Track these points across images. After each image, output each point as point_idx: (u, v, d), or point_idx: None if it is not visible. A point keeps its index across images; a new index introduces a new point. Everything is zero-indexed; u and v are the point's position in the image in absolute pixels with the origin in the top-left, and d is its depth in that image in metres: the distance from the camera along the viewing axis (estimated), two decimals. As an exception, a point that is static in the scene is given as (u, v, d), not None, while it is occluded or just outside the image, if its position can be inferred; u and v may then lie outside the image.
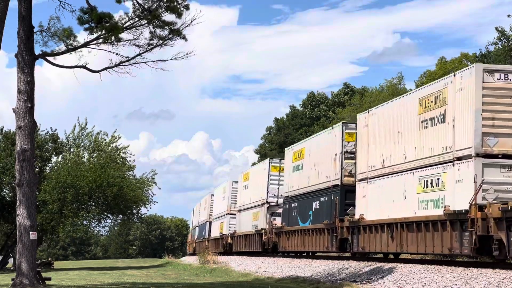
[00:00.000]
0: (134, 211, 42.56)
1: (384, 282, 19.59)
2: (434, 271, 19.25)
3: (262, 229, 39.41)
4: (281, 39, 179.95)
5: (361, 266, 23.72)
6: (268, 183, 39.49)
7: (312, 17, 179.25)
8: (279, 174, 39.08)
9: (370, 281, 20.30)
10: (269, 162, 40.67)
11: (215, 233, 55.06)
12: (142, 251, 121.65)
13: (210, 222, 58.53)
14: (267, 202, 39.02)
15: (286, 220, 35.56)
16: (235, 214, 47.57)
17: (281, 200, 37.49)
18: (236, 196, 48.32)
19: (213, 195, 59.38)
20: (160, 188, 44.74)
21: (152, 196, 42.88)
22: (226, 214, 49.67)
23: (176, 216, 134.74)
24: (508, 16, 41.72)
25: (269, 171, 39.75)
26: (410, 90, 61.39)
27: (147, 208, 42.97)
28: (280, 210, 37.58)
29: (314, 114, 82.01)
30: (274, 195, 39.01)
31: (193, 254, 64.42)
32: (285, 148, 39.06)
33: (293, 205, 34.75)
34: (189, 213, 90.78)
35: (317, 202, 30.98)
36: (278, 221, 37.26)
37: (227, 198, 50.35)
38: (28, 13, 18.72)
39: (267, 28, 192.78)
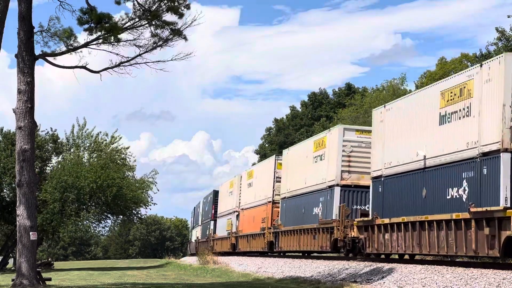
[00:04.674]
0: (134, 212, 42.60)
1: (384, 282, 19.58)
2: (434, 271, 19.24)
3: (332, 220, 28.91)
4: (282, 39, 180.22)
5: (361, 266, 23.72)
6: None
7: (313, 18, 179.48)
8: None
9: (370, 281, 20.29)
10: None
11: (245, 227, 44.74)
12: (142, 251, 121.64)
13: (238, 214, 47.06)
14: None
15: (380, 209, 25.53)
16: (277, 203, 38.17)
17: None
18: (279, 180, 38.54)
19: (242, 177, 48.10)
20: (158, 190, 43.28)
21: (152, 198, 42.90)
22: (268, 202, 39.85)
23: (178, 217, 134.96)
24: (508, 17, 41.83)
25: None
26: (410, 91, 61.69)
27: (146, 209, 43.01)
28: None
29: (316, 114, 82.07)
30: None
31: (194, 254, 61.51)
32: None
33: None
34: (189, 213, 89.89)
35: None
36: None
37: (267, 182, 40.42)
38: (28, 14, 18.73)
39: (269, 28, 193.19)
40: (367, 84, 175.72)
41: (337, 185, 29.26)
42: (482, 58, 47.03)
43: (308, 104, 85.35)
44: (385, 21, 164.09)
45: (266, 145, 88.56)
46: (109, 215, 42.75)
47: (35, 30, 19.13)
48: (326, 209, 29.99)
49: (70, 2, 19.86)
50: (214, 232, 55.20)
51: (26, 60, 18.68)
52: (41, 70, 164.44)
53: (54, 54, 19.88)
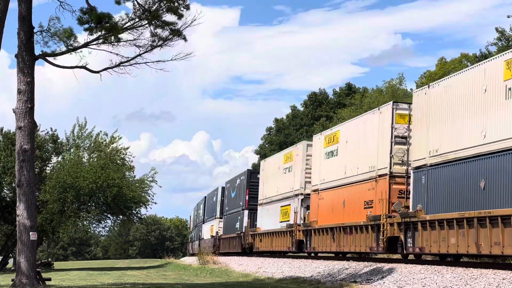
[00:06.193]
0: (134, 212, 42.58)
1: (384, 282, 19.57)
2: (434, 271, 19.24)
3: None
4: (282, 39, 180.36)
5: (361, 266, 23.71)
6: None
7: (313, 18, 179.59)
8: None
9: (370, 281, 20.29)
10: None
11: (323, 216, 30.89)
12: (142, 251, 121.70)
13: (305, 198, 34.12)
14: None
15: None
16: (399, 176, 25.16)
17: None
18: (401, 141, 25.44)
19: (310, 145, 34.62)
20: (161, 187, 42.74)
21: (153, 196, 42.87)
22: (378, 176, 26.00)
23: (179, 217, 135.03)
24: (508, 17, 41.87)
25: None
26: (411, 90, 61.66)
27: (146, 208, 42.99)
28: None
29: (316, 114, 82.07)
30: None
31: (193, 254, 60.45)
32: None
33: None
34: (188, 213, 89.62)
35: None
36: None
37: (377, 145, 26.47)
38: (28, 14, 18.74)
39: (269, 28, 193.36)
40: (367, 84, 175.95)
41: None
42: (482, 58, 47.09)
43: (308, 104, 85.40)
44: (385, 21, 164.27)
45: (266, 145, 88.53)
46: (109, 215, 42.75)
47: (35, 30, 19.14)
48: None
49: (70, 2, 19.93)
50: (252, 225, 42.37)
51: (26, 60, 18.69)
52: (41, 70, 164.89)
53: (54, 54, 19.89)
